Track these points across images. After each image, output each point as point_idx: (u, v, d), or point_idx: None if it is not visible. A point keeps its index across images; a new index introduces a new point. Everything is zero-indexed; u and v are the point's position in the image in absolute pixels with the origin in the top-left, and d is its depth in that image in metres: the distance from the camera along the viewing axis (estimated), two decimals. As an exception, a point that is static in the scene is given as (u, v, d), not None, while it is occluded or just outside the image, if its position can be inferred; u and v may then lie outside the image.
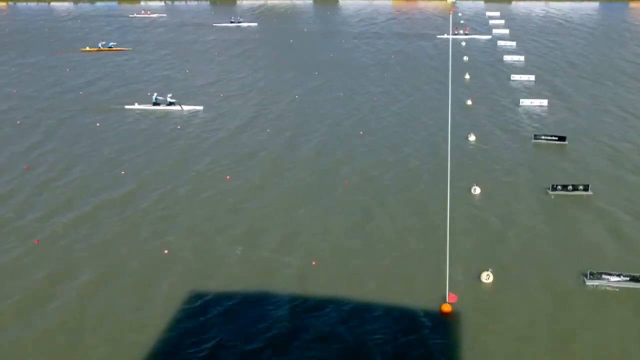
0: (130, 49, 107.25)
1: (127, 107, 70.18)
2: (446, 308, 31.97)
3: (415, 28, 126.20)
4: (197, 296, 33.63)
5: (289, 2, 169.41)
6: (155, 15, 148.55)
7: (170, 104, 69.99)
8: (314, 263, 36.53)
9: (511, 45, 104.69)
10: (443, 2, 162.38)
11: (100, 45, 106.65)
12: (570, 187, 45.64)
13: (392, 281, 34.72)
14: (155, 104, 70.13)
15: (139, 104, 70.42)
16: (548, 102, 69.28)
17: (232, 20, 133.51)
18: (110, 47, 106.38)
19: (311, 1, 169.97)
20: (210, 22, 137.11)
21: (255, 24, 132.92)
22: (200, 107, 69.86)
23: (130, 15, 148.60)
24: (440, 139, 56.51)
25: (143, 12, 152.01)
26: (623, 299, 32.93)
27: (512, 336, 30.13)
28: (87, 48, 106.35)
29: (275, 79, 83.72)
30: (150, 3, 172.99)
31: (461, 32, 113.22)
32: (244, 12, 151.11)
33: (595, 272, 34.19)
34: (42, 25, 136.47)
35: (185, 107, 69.57)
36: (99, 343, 30.05)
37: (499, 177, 49.14)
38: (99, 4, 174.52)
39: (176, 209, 44.13)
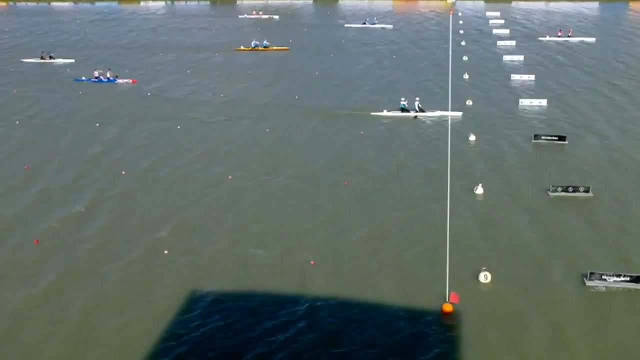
0: (288, 48, 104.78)
1: (372, 113, 64.53)
2: (447, 308, 31.85)
3: (416, 28, 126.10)
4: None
5: (288, 1, 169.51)
6: (266, 16, 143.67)
7: (420, 110, 64.00)
8: (312, 262, 36.50)
9: (511, 45, 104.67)
10: (443, 2, 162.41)
11: (253, 44, 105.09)
12: (570, 189, 45.41)
13: (391, 281, 34.64)
14: (403, 109, 64.21)
15: (387, 111, 64.61)
16: (548, 102, 69.19)
17: (365, 21, 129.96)
18: (266, 47, 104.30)
19: (311, 1, 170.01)
20: (336, 23, 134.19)
21: (391, 26, 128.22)
22: (459, 114, 63.80)
23: (240, 16, 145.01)
24: (439, 139, 56.37)
25: (254, 12, 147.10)
26: (623, 300, 32.85)
27: (511, 337, 30.03)
28: (242, 47, 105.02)
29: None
30: (152, 3, 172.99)
31: (569, 34, 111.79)
32: (245, 12, 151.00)
33: (595, 272, 34.10)
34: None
35: (436, 114, 63.64)
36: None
37: (499, 178, 49.00)
38: (98, 3, 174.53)
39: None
